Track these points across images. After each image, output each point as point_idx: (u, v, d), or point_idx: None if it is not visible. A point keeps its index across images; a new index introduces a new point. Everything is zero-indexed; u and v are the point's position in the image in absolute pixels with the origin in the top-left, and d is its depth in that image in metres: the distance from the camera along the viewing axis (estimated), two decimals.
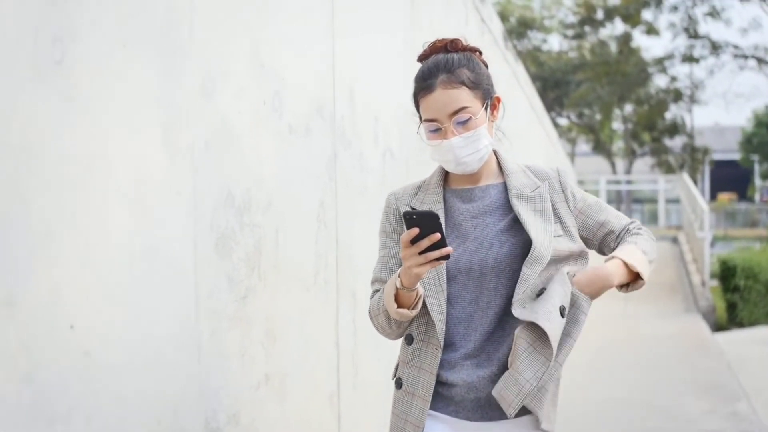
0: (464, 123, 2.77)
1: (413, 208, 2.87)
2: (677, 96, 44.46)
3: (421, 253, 2.53)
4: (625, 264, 2.85)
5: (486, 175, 2.93)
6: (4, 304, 2.04)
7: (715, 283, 20.88)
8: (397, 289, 2.69)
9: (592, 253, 3.01)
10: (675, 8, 39.96)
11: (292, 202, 3.66)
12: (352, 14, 4.43)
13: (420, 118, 2.87)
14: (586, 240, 2.97)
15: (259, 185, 3.34)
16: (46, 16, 2.19)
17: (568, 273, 2.79)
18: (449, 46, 2.88)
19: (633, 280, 2.89)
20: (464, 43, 2.89)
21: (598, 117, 46.93)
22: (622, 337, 14.03)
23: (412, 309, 2.74)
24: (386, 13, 5.13)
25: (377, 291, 2.93)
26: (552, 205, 2.89)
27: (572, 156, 45.34)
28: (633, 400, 9.45)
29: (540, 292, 2.77)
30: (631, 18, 41.69)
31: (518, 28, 44.39)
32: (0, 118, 2.03)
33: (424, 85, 2.81)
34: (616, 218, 3.00)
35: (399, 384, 2.89)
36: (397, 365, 2.95)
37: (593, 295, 2.82)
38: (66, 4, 2.26)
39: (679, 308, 18.39)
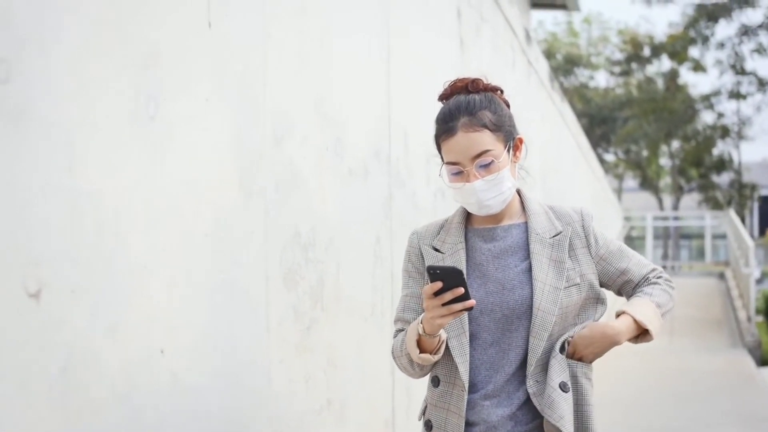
0: (487, 166, 2.72)
1: (441, 249, 2.88)
2: (724, 132, 44.29)
3: (444, 304, 2.53)
4: (635, 320, 2.81)
5: (509, 214, 2.88)
6: (107, 331, 2.32)
7: (761, 318, 20.86)
8: (419, 335, 2.67)
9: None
10: (722, 45, 39.95)
11: (352, 239, 3.94)
12: (405, 62, 4.71)
13: (441, 159, 2.83)
14: (605, 285, 2.93)
15: (322, 224, 3.62)
16: (143, 77, 2.48)
17: (564, 341, 2.77)
18: (470, 86, 2.82)
19: (641, 333, 2.85)
20: (485, 83, 2.84)
21: (645, 153, 46.89)
22: (667, 370, 14.11)
23: (435, 354, 2.72)
24: (437, 59, 5.41)
25: (400, 331, 2.91)
26: (572, 251, 2.85)
27: (619, 192, 45.35)
28: (677, 430, 9.59)
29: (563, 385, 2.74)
30: (678, 55, 41.70)
31: (565, 65, 44.60)
32: (102, 166, 2.31)
33: (445, 128, 2.76)
34: (636, 266, 2.94)
35: (429, 426, 2.86)
36: (425, 407, 2.92)
37: (596, 354, 2.81)
38: (159, 66, 2.55)
39: (725, 343, 18.41)
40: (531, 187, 3.14)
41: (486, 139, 2.72)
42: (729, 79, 42.38)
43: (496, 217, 2.87)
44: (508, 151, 2.79)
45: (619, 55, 46.10)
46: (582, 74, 47.11)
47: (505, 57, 7.57)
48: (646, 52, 43.71)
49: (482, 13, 6.68)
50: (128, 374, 2.41)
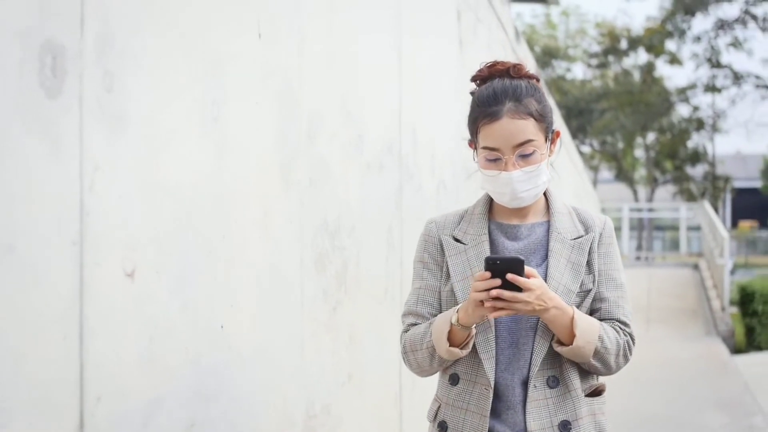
0: (527, 156, 2.60)
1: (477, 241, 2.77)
2: (699, 125, 44.73)
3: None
4: (572, 321, 2.59)
5: (534, 211, 2.76)
6: (181, 306, 2.66)
7: (735, 309, 21.32)
8: (451, 326, 2.58)
9: None
10: (698, 39, 40.38)
11: (369, 228, 4.28)
12: (413, 62, 5.06)
13: (471, 142, 2.74)
14: None
15: (346, 213, 3.95)
16: (209, 84, 2.81)
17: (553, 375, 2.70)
18: (512, 70, 2.69)
19: (570, 340, 2.61)
20: (526, 70, 2.72)
21: (620, 145, 47.30)
22: (645, 358, 14.43)
23: (463, 348, 2.62)
24: (440, 59, 5.76)
25: (412, 324, 2.81)
26: (590, 256, 2.71)
27: (595, 183, 45.71)
28: (656, 415, 9.96)
29: (551, 380, 2.67)
30: (655, 48, 42.11)
31: (543, 57, 44.85)
32: (177, 163, 2.63)
33: (488, 111, 2.61)
34: (616, 306, 2.73)
35: (443, 428, 2.75)
36: (438, 407, 2.82)
37: (527, 307, 2.50)
38: (221, 75, 2.88)
39: (700, 332, 18.83)
40: (556, 185, 3.21)
41: (530, 128, 2.61)
42: (705, 73, 43.08)
43: (521, 213, 2.76)
44: (547, 143, 2.70)
45: (596, 48, 46.44)
46: (559, 66, 47.46)
47: (498, 55, 7.91)
48: (623, 44, 44.07)
49: (478, 14, 7.04)
50: (196, 345, 2.74)
